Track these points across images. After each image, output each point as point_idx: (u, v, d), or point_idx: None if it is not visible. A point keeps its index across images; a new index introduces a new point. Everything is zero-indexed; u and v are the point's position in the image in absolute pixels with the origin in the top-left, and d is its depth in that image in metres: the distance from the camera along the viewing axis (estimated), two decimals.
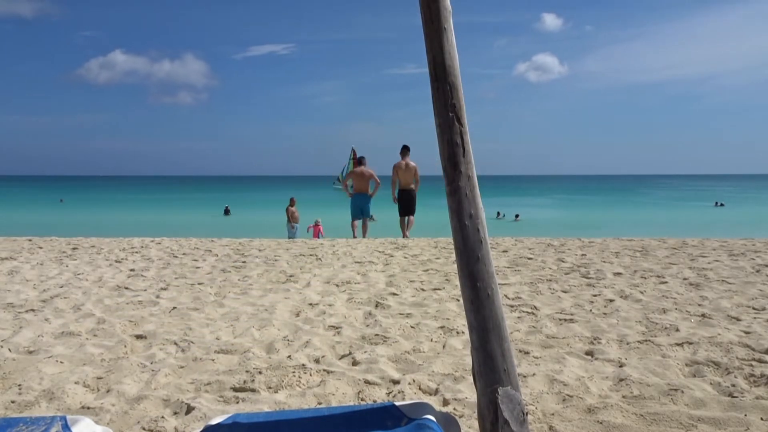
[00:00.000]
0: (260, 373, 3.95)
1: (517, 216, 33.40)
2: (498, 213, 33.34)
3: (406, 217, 14.08)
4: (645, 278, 7.60)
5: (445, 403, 3.49)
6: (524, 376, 3.84)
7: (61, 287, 7.15)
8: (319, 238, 15.71)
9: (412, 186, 13.81)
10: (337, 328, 5.19)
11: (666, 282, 7.30)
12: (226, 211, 38.49)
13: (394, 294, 6.71)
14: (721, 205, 44.43)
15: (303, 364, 4.12)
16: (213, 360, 4.29)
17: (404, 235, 13.77)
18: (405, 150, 13.63)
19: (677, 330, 4.96)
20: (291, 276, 7.97)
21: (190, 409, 3.36)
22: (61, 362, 4.23)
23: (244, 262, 9.32)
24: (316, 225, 18.52)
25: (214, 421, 2.22)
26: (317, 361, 4.27)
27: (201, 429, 2.21)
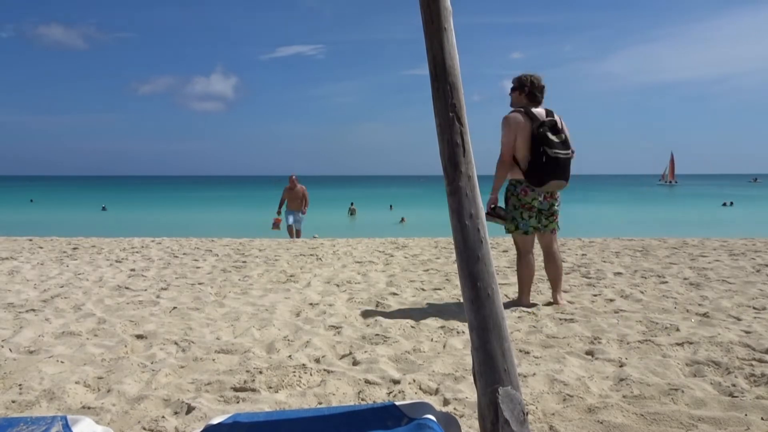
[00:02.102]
0: (261, 372, 3.96)
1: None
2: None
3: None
4: (645, 278, 7.60)
5: (446, 402, 3.48)
6: (524, 376, 3.84)
7: (62, 287, 7.15)
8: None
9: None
10: (337, 327, 5.19)
11: (666, 282, 7.30)
12: (103, 209, 40.32)
13: (395, 294, 6.72)
14: (731, 204, 44.43)
15: (303, 364, 4.13)
16: (213, 360, 4.29)
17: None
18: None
19: (678, 330, 4.95)
20: (291, 276, 7.97)
21: (190, 409, 3.36)
22: (62, 362, 4.23)
23: (244, 261, 9.33)
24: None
25: (215, 421, 2.22)
26: (318, 360, 4.27)
27: (201, 429, 2.21)
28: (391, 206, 37.00)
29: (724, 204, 45.20)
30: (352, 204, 31.03)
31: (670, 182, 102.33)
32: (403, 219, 34.22)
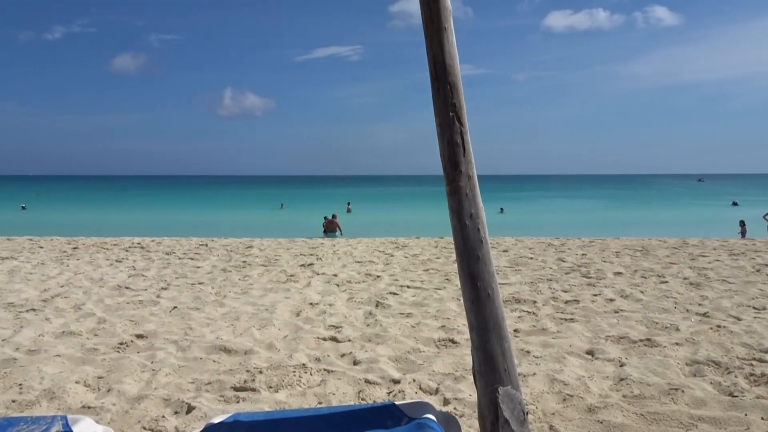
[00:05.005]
0: (261, 372, 3.95)
1: (501, 209, 35.10)
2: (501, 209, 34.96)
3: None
4: (645, 278, 7.60)
5: (446, 402, 3.49)
6: (525, 376, 3.84)
7: (62, 287, 7.15)
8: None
9: None
10: (337, 327, 5.19)
11: (666, 281, 7.30)
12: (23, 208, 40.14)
13: (395, 294, 6.71)
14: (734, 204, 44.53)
15: (303, 364, 4.13)
16: (213, 359, 4.29)
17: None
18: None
19: (677, 329, 4.96)
20: (291, 275, 7.97)
21: (190, 409, 3.36)
22: (62, 362, 4.23)
23: (244, 261, 9.32)
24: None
25: (216, 420, 2.22)
26: (318, 360, 4.27)
27: (202, 428, 2.21)
28: (282, 205, 39.76)
29: (734, 203, 45.29)
30: (349, 203, 35.46)
31: None
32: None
